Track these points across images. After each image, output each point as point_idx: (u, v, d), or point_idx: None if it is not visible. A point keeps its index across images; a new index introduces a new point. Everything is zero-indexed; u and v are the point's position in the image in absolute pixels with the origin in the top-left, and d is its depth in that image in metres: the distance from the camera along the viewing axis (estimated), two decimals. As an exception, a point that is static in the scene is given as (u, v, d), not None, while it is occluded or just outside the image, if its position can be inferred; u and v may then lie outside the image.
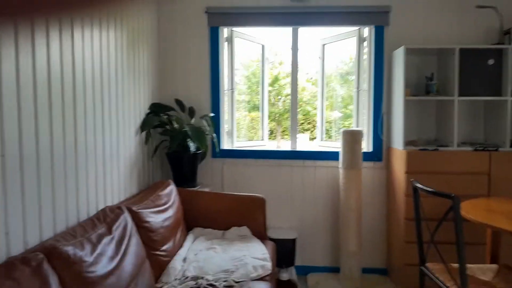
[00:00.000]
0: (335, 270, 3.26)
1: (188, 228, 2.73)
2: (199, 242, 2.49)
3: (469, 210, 2.13)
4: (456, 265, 2.11)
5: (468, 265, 2.14)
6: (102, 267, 1.61)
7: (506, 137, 2.79)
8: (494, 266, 2.15)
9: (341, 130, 2.98)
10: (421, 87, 3.10)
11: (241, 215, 2.71)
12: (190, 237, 2.55)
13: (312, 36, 3.80)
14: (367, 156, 3.20)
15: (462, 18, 3.10)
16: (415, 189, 2.15)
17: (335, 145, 3.40)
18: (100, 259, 1.62)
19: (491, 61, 2.86)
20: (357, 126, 3.37)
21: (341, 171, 3.00)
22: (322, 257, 3.30)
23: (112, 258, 1.71)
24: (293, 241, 3.05)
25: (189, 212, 2.73)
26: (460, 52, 2.81)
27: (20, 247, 1.50)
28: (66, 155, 1.81)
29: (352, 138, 2.92)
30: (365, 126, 3.30)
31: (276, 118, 10.06)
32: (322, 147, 3.52)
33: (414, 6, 3.13)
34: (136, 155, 2.68)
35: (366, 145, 3.28)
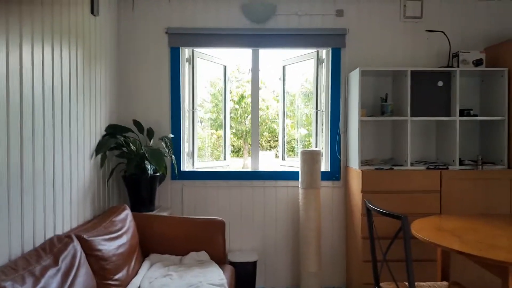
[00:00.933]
0: (297, 290, 3.26)
1: (145, 255, 2.65)
2: (155, 269, 2.42)
3: (420, 229, 2.19)
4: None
5: (419, 283, 2.19)
6: (44, 302, 1.53)
7: (455, 156, 2.91)
8: (445, 283, 2.21)
9: (300, 150, 3.02)
10: (377, 107, 3.20)
11: (200, 239, 2.66)
12: (145, 264, 2.48)
13: (273, 57, 3.87)
14: (326, 176, 3.25)
15: (415, 41, 3.25)
16: (368, 209, 2.19)
17: (297, 164, 3.44)
18: (43, 294, 1.55)
19: (440, 83, 3.00)
20: (317, 146, 3.42)
21: (300, 190, 3.02)
22: (283, 278, 3.29)
23: (56, 291, 1.63)
24: (253, 263, 3.02)
25: (146, 238, 2.66)
26: (411, 74, 2.93)
27: (-47, 284, 1.41)
28: (10, 178, 1.73)
29: (310, 158, 2.96)
30: (323, 146, 3.36)
31: (243, 136, 10.09)
32: (284, 166, 3.55)
33: (369, 29, 3.25)
34: (91, 179, 2.60)
35: (325, 165, 3.33)
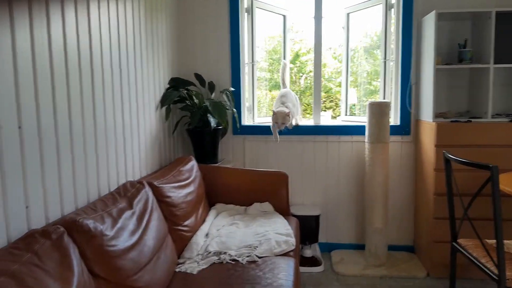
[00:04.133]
0: (360, 247, 3.19)
1: (210, 204, 2.70)
2: (221, 218, 2.45)
3: (507, 183, 2.00)
4: (490, 241, 2.00)
5: (504, 241, 2.02)
6: (123, 241, 1.58)
7: (546, 107, 2.61)
8: (533, 242, 2.03)
9: (368, 102, 2.85)
10: (452, 55, 2.92)
11: (263, 191, 2.65)
12: (212, 213, 2.52)
13: (335, 4, 3.62)
14: (394, 130, 3.07)
15: (499, -23, 2.88)
16: (447, 161, 2.03)
17: (360, 119, 3.28)
18: (121, 233, 1.60)
19: (531, 25, 2.65)
20: (384, 99, 3.22)
21: (367, 145, 2.88)
22: (347, 234, 3.24)
23: (133, 232, 1.68)
24: (316, 217, 2.98)
25: (211, 188, 2.69)
26: (496, 16, 2.61)
27: (42, 221, 1.49)
28: (85, 128, 1.78)
29: (379, 110, 2.78)
30: (393, 99, 3.15)
31: (298, 96, 9.88)
32: (346, 121, 3.40)
33: (446, -32, 2.92)
34: (157, 131, 2.65)
35: (393, 118, 3.14)
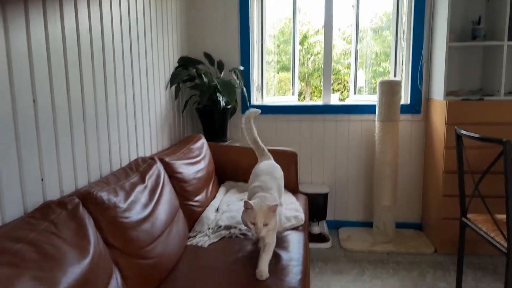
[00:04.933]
0: (367, 225, 3.22)
1: (220, 182, 2.72)
2: (231, 194, 2.48)
3: (518, 159, 1.99)
4: (500, 216, 2.01)
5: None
6: (136, 214, 1.61)
7: (560, 84, 2.57)
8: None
9: (379, 80, 2.83)
10: (465, 33, 2.87)
11: (272, 168, 2.65)
12: (222, 190, 2.55)
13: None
14: (405, 108, 3.05)
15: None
16: (459, 138, 2.02)
17: (369, 98, 3.25)
18: (134, 206, 1.63)
19: (548, 1, 2.59)
20: (395, 77, 3.19)
21: (377, 124, 2.87)
22: (355, 212, 3.26)
23: (145, 205, 1.71)
24: (324, 195, 3.00)
25: (220, 166, 2.71)
26: (512, -9, 2.56)
27: (56, 193, 1.52)
28: (97, 106, 1.79)
29: (390, 88, 2.76)
30: (403, 77, 3.12)
31: (305, 79, 9.77)
32: (355, 101, 3.38)
33: None
34: (167, 110, 2.66)
35: (404, 97, 3.11)
